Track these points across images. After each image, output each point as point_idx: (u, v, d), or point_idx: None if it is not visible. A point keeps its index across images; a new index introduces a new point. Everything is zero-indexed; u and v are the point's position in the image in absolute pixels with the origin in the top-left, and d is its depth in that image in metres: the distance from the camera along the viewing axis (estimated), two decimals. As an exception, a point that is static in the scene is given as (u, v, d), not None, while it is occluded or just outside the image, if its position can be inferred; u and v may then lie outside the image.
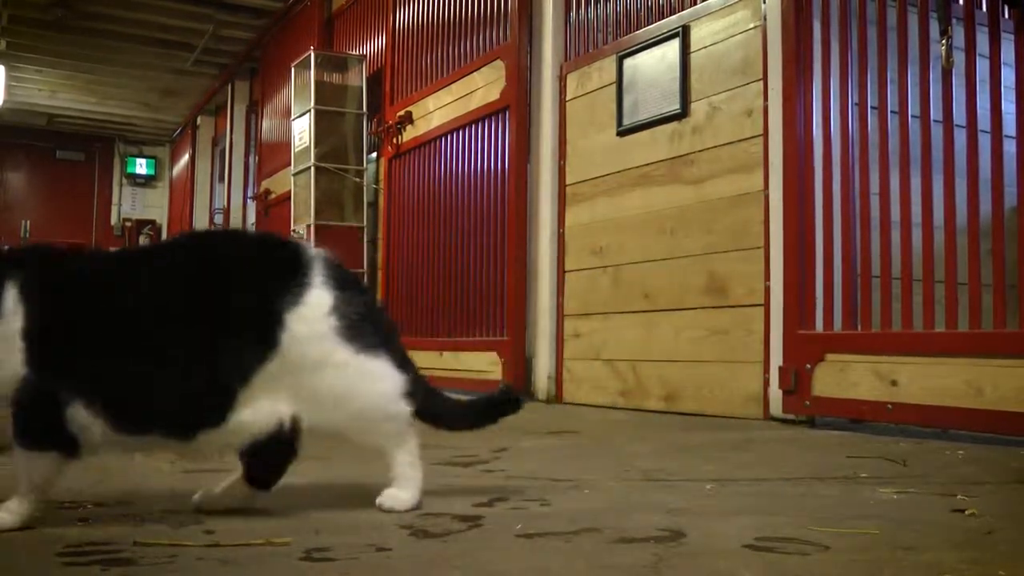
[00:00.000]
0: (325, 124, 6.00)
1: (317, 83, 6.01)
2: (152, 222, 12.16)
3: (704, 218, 3.42)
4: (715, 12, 3.44)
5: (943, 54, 2.60)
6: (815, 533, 1.31)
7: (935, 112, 2.68)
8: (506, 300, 4.37)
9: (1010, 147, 2.54)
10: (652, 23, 3.77)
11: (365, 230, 6.01)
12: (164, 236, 12.03)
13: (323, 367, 1.40)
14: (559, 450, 2.38)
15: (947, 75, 2.63)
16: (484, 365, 4.47)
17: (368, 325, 1.43)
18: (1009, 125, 2.53)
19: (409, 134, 5.45)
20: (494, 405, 1.61)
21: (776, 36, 3.12)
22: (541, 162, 4.32)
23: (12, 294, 1.33)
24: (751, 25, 3.27)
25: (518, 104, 4.38)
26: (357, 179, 6.02)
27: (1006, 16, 2.64)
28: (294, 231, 6.15)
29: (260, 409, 1.38)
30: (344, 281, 1.45)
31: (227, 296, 1.40)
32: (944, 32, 2.60)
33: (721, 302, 3.33)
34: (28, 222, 11.32)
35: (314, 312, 1.40)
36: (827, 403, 2.86)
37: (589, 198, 4.04)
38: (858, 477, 1.87)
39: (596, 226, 3.98)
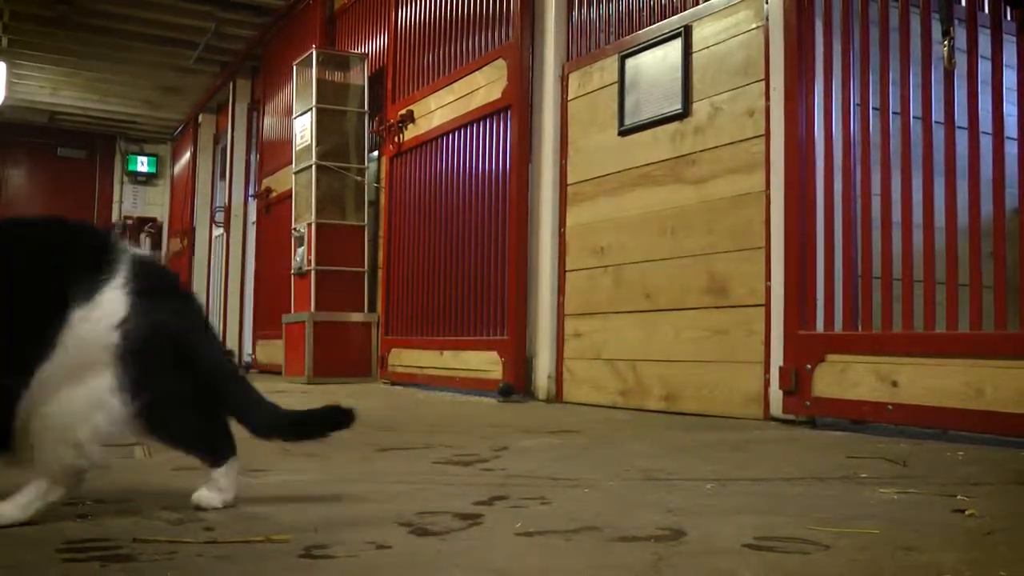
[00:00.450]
0: (327, 122, 6.00)
1: (319, 81, 6.01)
2: (153, 220, 12.16)
3: (705, 218, 3.42)
4: (717, 12, 3.43)
5: (945, 55, 2.60)
6: (815, 533, 1.31)
7: (937, 113, 2.68)
8: (507, 299, 4.37)
9: (1011, 149, 2.54)
10: (654, 23, 3.77)
11: (366, 229, 6.01)
12: (165, 234, 12.05)
13: (74, 380, 1.29)
14: (559, 449, 2.38)
15: (949, 76, 2.63)
16: (484, 364, 4.47)
17: (158, 347, 1.33)
18: (1011, 127, 2.53)
19: (411, 133, 5.45)
20: (321, 419, 1.50)
21: (778, 36, 3.12)
22: (542, 161, 4.32)
23: None
24: (753, 25, 3.27)
25: (520, 103, 4.38)
26: (358, 178, 6.02)
27: (1008, 17, 2.64)
28: (295, 230, 6.15)
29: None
30: (152, 290, 1.35)
31: (10, 284, 1.30)
32: (946, 33, 2.59)
33: (722, 302, 3.32)
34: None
35: (104, 318, 1.30)
36: (827, 403, 2.86)
37: (590, 198, 4.04)
38: (858, 477, 1.87)
39: (597, 226, 3.98)
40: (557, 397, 4.15)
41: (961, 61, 2.61)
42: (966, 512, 1.46)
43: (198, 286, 10.23)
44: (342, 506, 1.52)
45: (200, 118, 10.47)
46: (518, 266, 4.31)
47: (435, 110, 5.19)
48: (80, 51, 8.56)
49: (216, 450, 1.47)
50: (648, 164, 3.71)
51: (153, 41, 8.33)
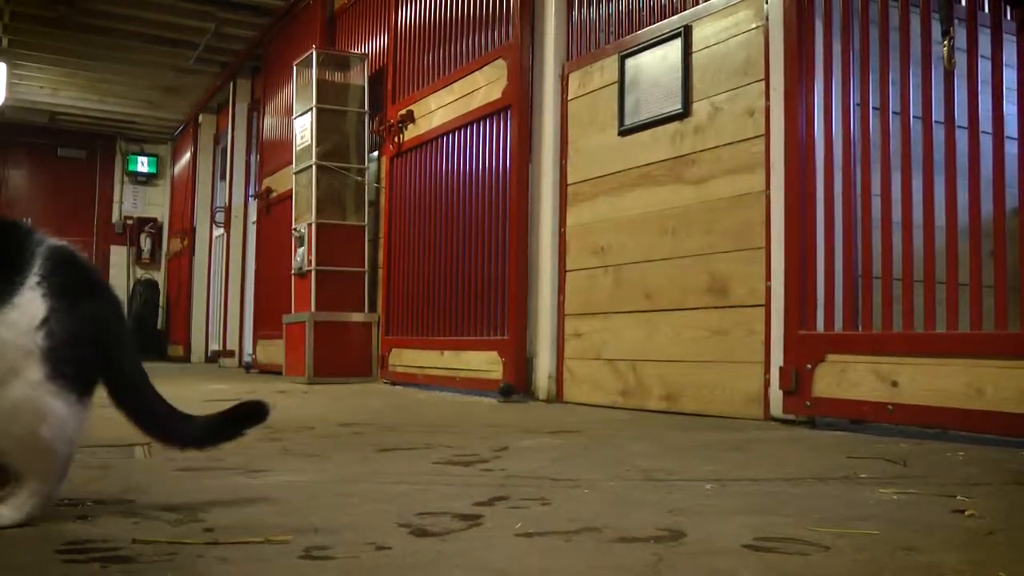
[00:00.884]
0: (327, 122, 6.00)
1: (319, 81, 6.01)
2: (153, 220, 12.16)
3: (705, 218, 3.42)
4: (717, 12, 3.43)
5: (945, 55, 2.60)
6: (815, 533, 1.30)
7: (937, 113, 2.68)
8: (507, 299, 4.37)
9: (1012, 148, 2.54)
10: (654, 23, 3.77)
11: (367, 229, 6.01)
12: (165, 234, 12.05)
13: (4, 383, 1.27)
14: (559, 449, 2.38)
15: (949, 76, 2.63)
16: (485, 364, 4.47)
17: (81, 344, 1.31)
18: (1011, 126, 2.53)
19: (411, 133, 5.45)
20: (236, 419, 1.48)
21: (778, 36, 3.12)
22: (542, 161, 4.32)
23: None
24: (753, 25, 3.27)
25: (520, 103, 4.38)
26: (359, 178, 6.02)
27: (1008, 17, 2.64)
28: (295, 230, 6.15)
29: None
30: (72, 286, 1.32)
31: None
32: (946, 33, 2.59)
33: (722, 302, 3.32)
34: (29, 220, 11.25)
35: (22, 320, 1.27)
36: (828, 404, 2.86)
37: (590, 198, 4.04)
38: (858, 478, 1.87)
39: (597, 226, 3.98)
40: (557, 397, 4.15)
41: (961, 61, 2.61)
42: (966, 512, 1.46)
43: (198, 286, 10.24)
44: (342, 507, 1.52)
45: (200, 118, 10.48)
46: (518, 266, 4.31)
47: (435, 110, 5.19)
48: (80, 51, 8.56)
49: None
50: (648, 164, 3.71)
51: (153, 41, 8.33)
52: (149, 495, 1.59)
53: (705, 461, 2.15)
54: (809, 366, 2.91)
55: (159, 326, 11.71)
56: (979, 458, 2.15)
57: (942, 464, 2.07)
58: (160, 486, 1.69)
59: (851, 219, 2.88)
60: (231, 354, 8.87)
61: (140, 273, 12.01)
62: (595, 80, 4.06)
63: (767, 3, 3.20)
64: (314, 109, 5.96)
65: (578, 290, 4.09)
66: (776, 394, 3.03)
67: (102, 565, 1.11)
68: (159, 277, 12.04)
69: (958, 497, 1.61)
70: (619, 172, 3.86)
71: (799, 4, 3.05)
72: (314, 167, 5.90)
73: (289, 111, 6.77)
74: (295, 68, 6.35)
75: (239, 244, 8.88)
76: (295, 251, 6.13)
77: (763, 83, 3.19)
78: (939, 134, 2.65)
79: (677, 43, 3.58)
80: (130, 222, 12.07)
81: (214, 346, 9.78)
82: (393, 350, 5.52)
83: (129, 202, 12.18)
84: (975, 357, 2.45)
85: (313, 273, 5.84)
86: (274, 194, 7.38)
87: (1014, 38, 2.52)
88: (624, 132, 3.84)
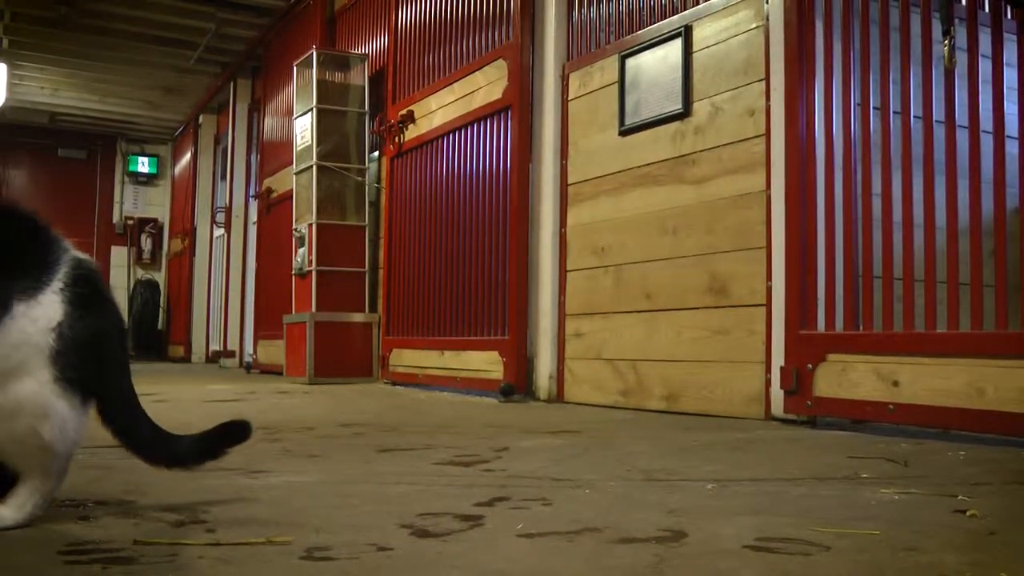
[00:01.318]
0: (327, 123, 6.00)
1: (319, 82, 6.02)
2: (154, 220, 12.17)
3: (706, 218, 3.42)
4: (717, 12, 3.43)
5: (945, 54, 2.60)
6: (816, 534, 1.31)
7: (937, 112, 2.68)
8: (507, 299, 4.38)
9: (1012, 148, 2.54)
10: (654, 23, 3.77)
11: (367, 229, 6.02)
12: (166, 235, 12.06)
13: (13, 378, 1.29)
14: (560, 450, 2.38)
15: (949, 75, 2.63)
16: (485, 364, 4.48)
17: (87, 353, 1.34)
18: (1011, 126, 2.53)
19: (411, 133, 5.45)
20: (218, 438, 1.50)
21: (778, 36, 3.12)
22: (543, 162, 4.32)
23: None
24: (753, 25, 3.27)
25: (520, 103, 4.38)
26: (359, 178, 6.02)
27: (1009, 16, 2.64)
28: (296, 230, 6.15)
29: None
30: (87, 299, 1.36)
31: None
32: (946, 32, 2.59)
33: (723, 302, 3.32)
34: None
35: (42, 319, 1.31)
36: (829, 403, 2.86)
37: (591, 198, 4.04)
38: (859, 478, 1.87)
39: (598, 226, 3.98)
40: (558, 397, 4.15)
41: (961, 60, 2.61)
42: (967, 513, 1.46)
43: (199, 286, 10.24)
44: (343, 507, 1.52)
45: (201, 118, 10.48)
46: (519, 266, 4.31)
47: (436, 110, 5.19)
48: (81, 52, 8.56)
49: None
50: (649, 164, 3.71)
51: (154, 42, 8.33)
52: (150, 496, 1.60)
53: (706, 461, 2.15)
54: (810, 366, 2.91)
55: (160, 326, 11.72)
56: (980, 458, 2.15)
57: (943, 464, 2.07)
58: (161, 487, 1.69)
59: (852, 219, 2.88)
60: (232, 354, 8.87)
61: (141, 273, 12.02)
62: (595, 80, 4.06)
63: (767, 3, 3.20)
64: (314, 109, 5.96)
65: (579, 290, 4.09)
66: (777, 394, 3.03)
67: (103, 566, 1.12)
68: (160, 277, 12.05)
69: (959, 497, 1.61)
70: (620, 172, 3.86)
71: (799, 4, 3.05)
72: (315, 167, 5.90)
73: (289, 111, 6.77)
74: (295, 68, 6.35)
75: (240, 244, 8.89)
76: (296, 251, 6.14)
77: (763, 83, 3.19)
78: (940, 134, 2.65)
79: (677, 43, 3.58)
80: (131, 222, 12.07)
81: (215, 346, 9.79)
82: (394, 350, 5.52)
83: (130, 202, 12.19)
84: (976, 357, 2.45)
85: (314, 273, 5.84)
86: (274, 194, 7.38)
87: (1014, 37, 2.52)
88: (625, 132, 3.84)
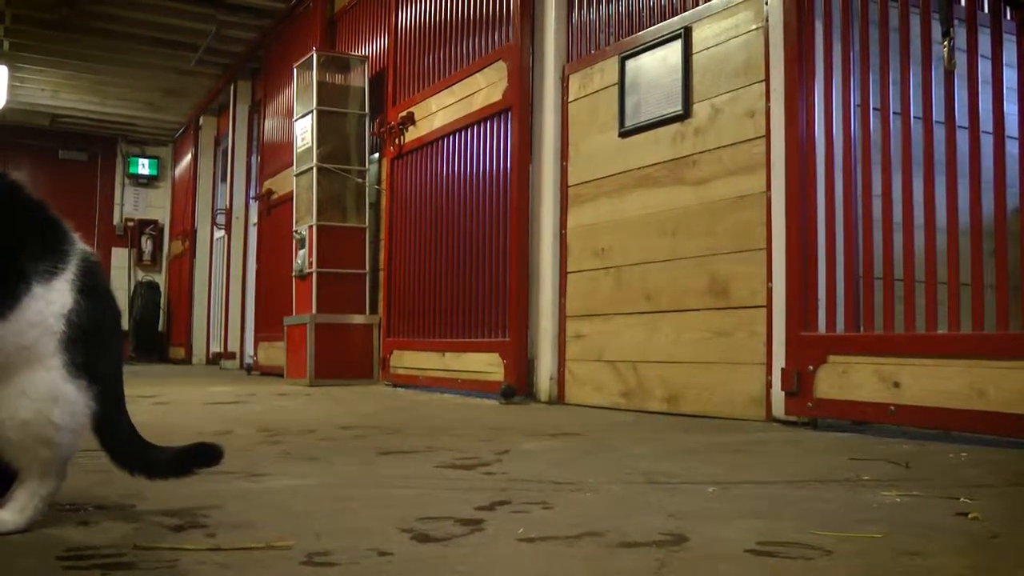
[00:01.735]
0: (327, 125, 6.00)
1: (319, 84, 6.01)
2: (154, 222, 12.17)
3: (706, 219, 3.41)
4: (717, 13, 3.43)
5: (945, 55, 2.60)
6: (818, 537, 1.30)
7: (937, 113, 2.68)
8: (508, 301, 4.37)
9: (1012, 148, 2.53)
10: (654, 24, 3.76)
11: (367, 231, 6.01)
12: (166, 236, 12.05)
13: (24, 358, 1.31)
14: (561, 452, 2.38)
15: (949, 76, 2.62)
16: (486, 366, 4.47)
17: (90, 344, 1.36)
18: (1011, 126, 2.53)
19: (411, 135, 5.45)
20: (191, 457, 1.50)
21: (778, 37, 3.12)
22: (543, 163, 4.32)
23: None
24: (753, 26, 3.27)
25: (520, 105, 4.37)
26: (359, 180, 6.02)
27: (1008, 17, 2.64)
28: (296, 232, 6.15)
29: None
30: (92, 291, 1.38)
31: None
32: (946, 33, 2.59)
33: (723, 303, 3.32)
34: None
35: (56, 303, 1.34)
36: (829, 405, 2.86)
37: (591, 199, 4.04)
38: (861, 480, 1.87)
39: (598, 227, 3.98)
40: (559, 398, 4.15)
41: (961, 61, 2.61)
42: (969, 515, 1.46)
43: (199, 288, 10.24)
44: (344, 511, 1.52)
45: (201, 120, 10.48)
46: (519, 267, 4.31)
47: (436, 112, 5.19)
48: (81, 54, 8.56)
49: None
50: (649, 165, 3.71)
51: (154, 43, 8.33)
52: (150, 500, 1.59)
53: (707, 463, 2.15)
54: (811, 367, 2.90)
55: (160, 328, 11.71)
56: (981, 459, 2.15)
57: (945, 465, 2.07)
58: (161, 491, 1.69)
59: (852, 219, 2.88)
60: (232, 356, 8.87)
61: (141, 275, 12.01)
62: (595, 81, 4.05)
63: (767, 4, 3.19)
64: (315, 111, 5.96)
65: (579, 291, 4.09)
66: (778, 395, 3.02)
67: (103, 572, 1.11)
68: (160, 279, 12.04)
69: (961, 499, 1.61)
70: (620, 173, 3.86)
71: (799, 5, 3.05)
72: (315, 169, 5.90)
73: (290, 113, 6.77)
74: (296, 70, 6.35)
75: (240, 246, 8.89)
76: (296, 253, 6.14)
77: (763, 84, 3.19)
78: (939, 134, 2.65)
79: (677, 44, 3.58)
80: (131, 224, 12.07)
81: (215, 348, 9.79)
82: (394, 352, 5.52)
83: (130, 204, 12.19)
84: (977, 358, 2.45)
85: (314, 275, 5.84)
86: (275, 196, 7.38)
87: (1014, 38, 2.52)
88: (625, 133, 3.84)
